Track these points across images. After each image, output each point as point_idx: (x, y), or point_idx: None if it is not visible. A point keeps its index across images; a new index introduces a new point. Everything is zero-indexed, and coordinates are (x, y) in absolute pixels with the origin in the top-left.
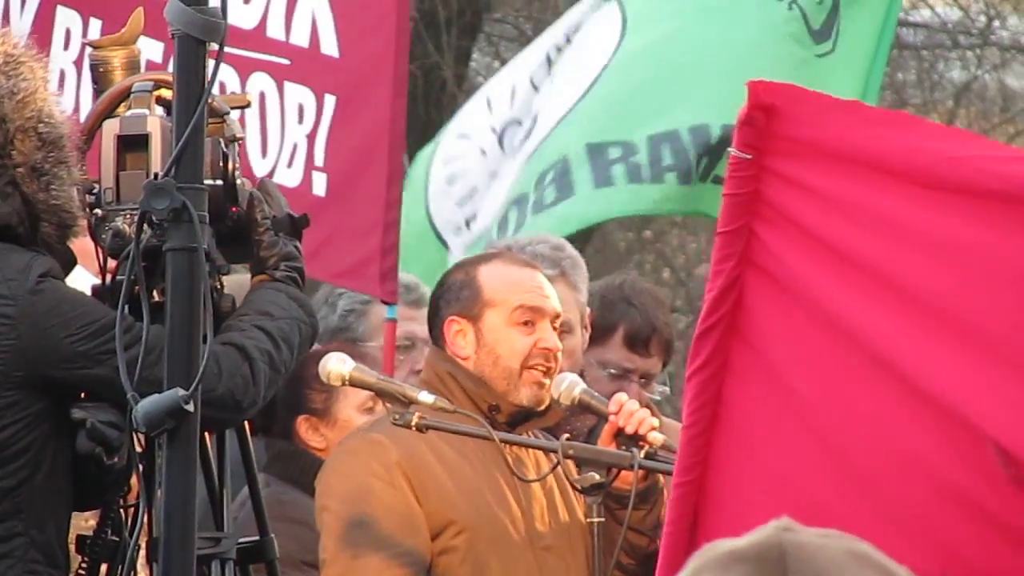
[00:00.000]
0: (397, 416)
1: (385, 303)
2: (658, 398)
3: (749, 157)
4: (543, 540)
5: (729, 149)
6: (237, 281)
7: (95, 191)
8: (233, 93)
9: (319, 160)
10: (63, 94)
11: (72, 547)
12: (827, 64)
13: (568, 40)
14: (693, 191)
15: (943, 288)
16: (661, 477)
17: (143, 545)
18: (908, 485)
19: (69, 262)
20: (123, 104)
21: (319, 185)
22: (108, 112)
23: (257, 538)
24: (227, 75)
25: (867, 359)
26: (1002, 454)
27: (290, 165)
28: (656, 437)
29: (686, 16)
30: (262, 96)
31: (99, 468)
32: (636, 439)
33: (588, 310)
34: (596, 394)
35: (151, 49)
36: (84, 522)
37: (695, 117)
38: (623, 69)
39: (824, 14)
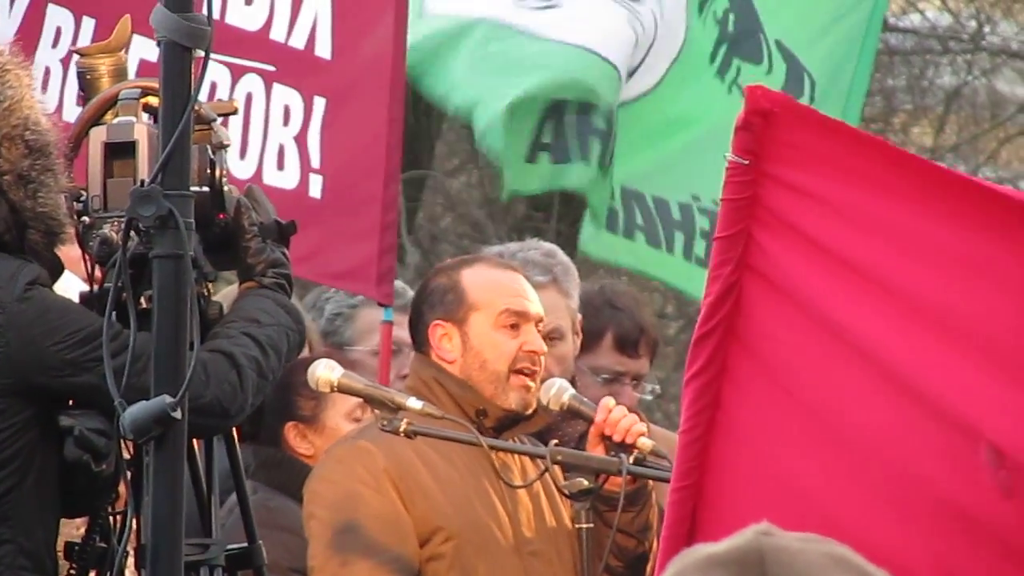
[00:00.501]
0: (385, 422)
1: (381, 305)
2: (649, 397)
3: (747, 162)
4: (530, 546)
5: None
6: (228, 294)
7: (82, 198)
8: (220, 100)
9: (315, 162)
10: (47, 92)
11: (60, 554)
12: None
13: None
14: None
15: (940, 293)
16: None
17: (131, 552)
18: (906, 491)
19: (56, 269)
20: (110, 111)
21: (315, 187)
22: (95, 119)
23: (245, 545)
24: (220, 75)
25: (864, 363)
26: (995, 456)
27: (281, 167)
28: (645, 443)
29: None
30: (248, 97)
31: (87, 475)
32: (625, 445)
33: (580, 316)
34: (585, 399)
35: (146, 49)
36: (76, 530)
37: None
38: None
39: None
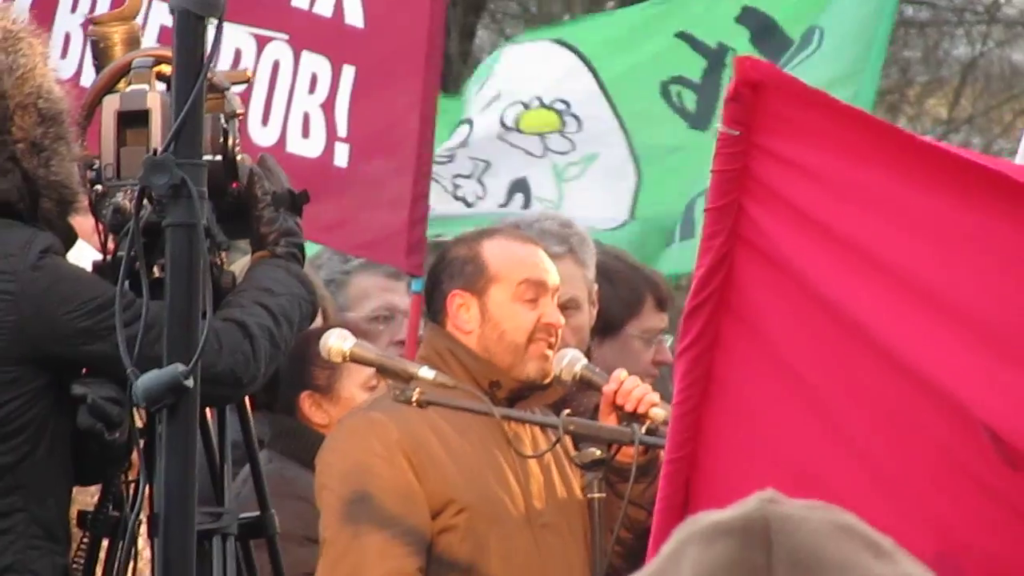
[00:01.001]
0: (398, 392)
1: (411, 275)
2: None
3: (737, 133)
4: (541, 518)
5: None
6: (243, 265)
7: (95, 167)
8: (234, 70)
9: (342, 131)
10: (67, 57)
11: (73, 522)
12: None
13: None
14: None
15: (931, 266)
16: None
17: (144, 520)
18: (903, 459)
19: (70, 238)
20: (123, 80)
21: (341, 156)
22: (108, 88)
23: (258, 513)
24: (245, 43)
25: (857, 333)
26: (991, 434)
27: (306, 135)
28: (657, 413)
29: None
30: (275, 65)
31: (100, 444)
32: (637, 415)
33: (596, 287)
34: (597, 370)
35: (166, 15)
36: (90, 498)
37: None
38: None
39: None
